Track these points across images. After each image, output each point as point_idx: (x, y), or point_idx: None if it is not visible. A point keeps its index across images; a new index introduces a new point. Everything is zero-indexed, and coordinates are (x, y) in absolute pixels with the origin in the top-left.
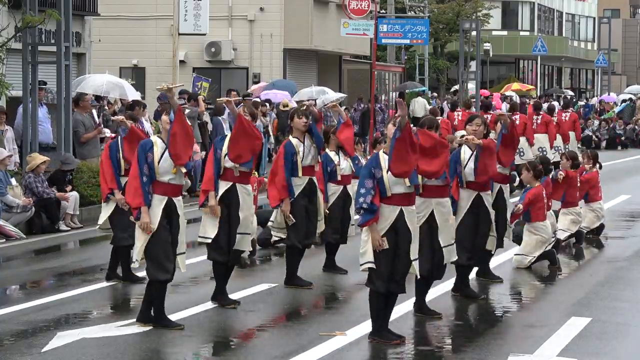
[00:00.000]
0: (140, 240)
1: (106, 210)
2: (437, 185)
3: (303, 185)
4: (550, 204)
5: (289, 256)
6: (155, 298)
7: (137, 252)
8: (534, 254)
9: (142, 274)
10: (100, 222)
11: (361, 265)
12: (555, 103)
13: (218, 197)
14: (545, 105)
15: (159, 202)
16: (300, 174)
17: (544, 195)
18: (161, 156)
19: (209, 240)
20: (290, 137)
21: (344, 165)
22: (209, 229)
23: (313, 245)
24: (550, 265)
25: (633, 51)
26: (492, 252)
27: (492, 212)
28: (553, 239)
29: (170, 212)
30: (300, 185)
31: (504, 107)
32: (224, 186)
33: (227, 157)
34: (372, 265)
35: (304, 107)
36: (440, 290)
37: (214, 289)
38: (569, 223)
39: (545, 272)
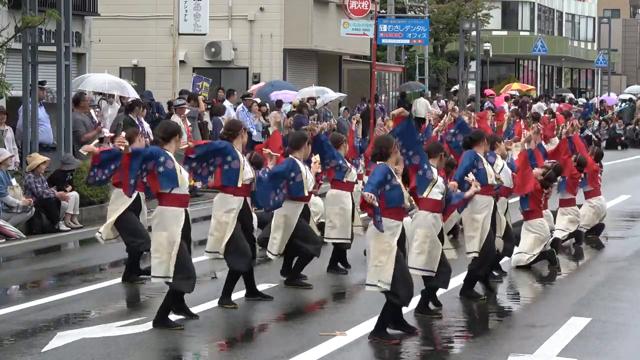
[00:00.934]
0: (164, 256)
1: (107, 226)
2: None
3: (302, 208)
4: (547, 201)
5: (301, 261)
6: (165, 302)
7: (165, 268)
8: (533, 251)
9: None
10: (103, 236)
11: (374, 285)
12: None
13: (235, 214)
14: (544, 106)
15: (180, 215)
16: (306, 193)
17: (543, 194)
18: (180, 167)
19: (221, 255)
20: (293, 157)
21: (354, 172)
22: (221, 244)
23: None
24: (550, 265)
25: (633, 51)
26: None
27: (503, 220)
28: (551, 238)
29: (187, 223)
30: (299, 207)
31: (505, 106)
32: (237, 202)
33: (244, 172)
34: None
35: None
36: (441, 290)
37: (223, 291)
38: (567, 222)
39: (545, 272)
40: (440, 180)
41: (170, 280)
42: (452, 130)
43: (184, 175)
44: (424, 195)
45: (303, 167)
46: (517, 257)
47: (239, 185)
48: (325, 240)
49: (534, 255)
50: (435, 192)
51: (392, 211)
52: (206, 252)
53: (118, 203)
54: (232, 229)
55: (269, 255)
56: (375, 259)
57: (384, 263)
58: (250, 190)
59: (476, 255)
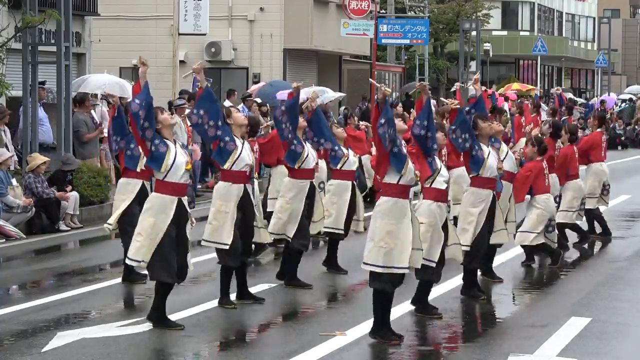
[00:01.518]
0: (146, 241)
1: (117, 213)
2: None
3: (307, 187)
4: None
5: (290, 257)
6: (156, 298)
7: (143, 253)
8: (536, 229)
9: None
10: (111, 221)
11: (379, 266)
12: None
13: (235, 202)
14: (545, 106)
15: (170, 203)
16: (296, 165)
17: (545, 167)
18: (175, 155)
19: (226, 247)
20: None
21: (352, 159)
22: (225, 235)
23: (312, 246)
24: (551, 265)
25: (633, 51)
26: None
27: (501, 211)
28: (555, 210)
29: (180, 212)
30: (304, 187)
31: (506, 106)
32: (237, 190)
33: (239, 158)
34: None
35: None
36: (441, 291)
37: (222, 291)
38: (570, 199)
39: (545, 272)
40: (444, 168)
41: (145, 265)
42: (467, 108)
43: (178, 162)
44: (428, 184)
45: (305, 143)
46: (521, 235)
47: (225, 166)
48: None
49: (538, 233)
50: (439, 181)
51: (400, 189)
52: (204, 241)
53: (126, 192)
54: (233, 219)
55: (284, 236)
56: (382, 240)
57: (390, 245)
58: (250, 177)
59: (467, 249)
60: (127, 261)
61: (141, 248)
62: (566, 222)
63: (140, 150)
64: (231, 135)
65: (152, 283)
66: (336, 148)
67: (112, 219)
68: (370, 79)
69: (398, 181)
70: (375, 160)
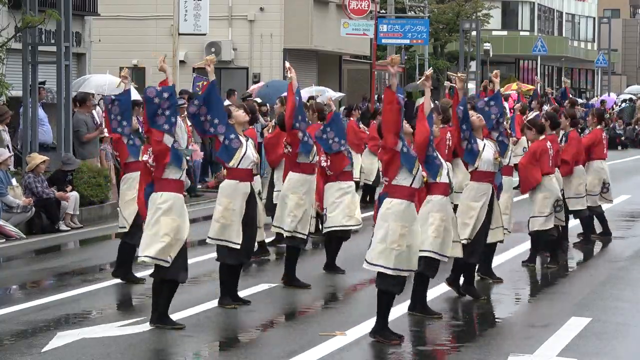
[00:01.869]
0: (173, 241)
1: (129, 212)
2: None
3: (314, 181)
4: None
5: (290, 256)
6: (165, 297)
7: (170, 253)
8: (544, 212)
9: (139, 274)
10: (129, 220)
11: (392, 269)
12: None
13: (242, 201)
14: (546, 107)
15: (184, 202)
16: (308, 158)
17: (549, 147)
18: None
19: (237, 247)
20: None
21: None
22: (235, 234)
23: (312, 246)
24: (551, 265)
25: (633, 51)
26: (501, 241)
27: (499, 206)
28: (560, 191)
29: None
30: (313, 181)
31: (506, 105)
32: (244, 188)
33: (245, 156)
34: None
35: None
36: (440, 291)
37: (222, 291)
38: (577, 186)
39: (546, 272)
40: (444, 162)
41: (168, 265)
42: (486, 99)
43: (184, 165)
44: (436, 180)
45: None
46: (532, 221)
47: (231, 163)
48: (336, 227)
49: (547, 216)
50: (444, 175)
51: (411, 192)
52: (209, 239)
53: (136, 187)
54: (241, 216)
55: (300, 235)
56: (394, 242)
57: (402, 248)
58: (254, 176)
59: (465, 242)
60: (147, 259)
61: (168, 247)
62: (577, 208)
63: (144, 139)
64: (235, 132)
65: (151, 282)
66: (350, 150)
67: (129, 218)
68: (376, 62)
69: (411, 184)
70: (382, 156)
